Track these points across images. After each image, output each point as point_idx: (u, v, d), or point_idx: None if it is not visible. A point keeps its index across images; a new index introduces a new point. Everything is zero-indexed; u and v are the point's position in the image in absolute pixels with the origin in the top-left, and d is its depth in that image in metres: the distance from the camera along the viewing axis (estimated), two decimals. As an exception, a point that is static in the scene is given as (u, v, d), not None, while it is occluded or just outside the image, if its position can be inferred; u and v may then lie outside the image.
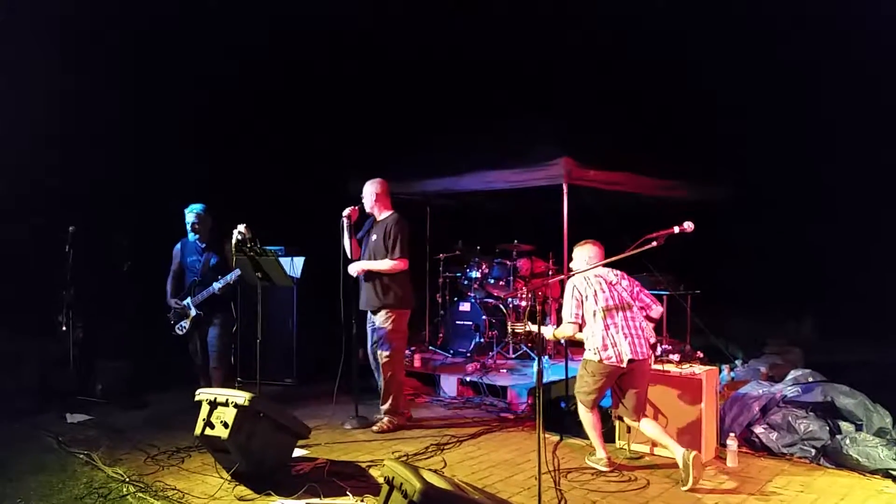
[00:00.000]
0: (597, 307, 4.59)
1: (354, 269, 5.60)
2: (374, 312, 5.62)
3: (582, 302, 4.64)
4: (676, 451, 4.36)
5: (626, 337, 4.53)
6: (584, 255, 4.80)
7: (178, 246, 6.14)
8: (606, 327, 4.55)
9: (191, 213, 5.97)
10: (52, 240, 6.52)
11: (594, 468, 4.65)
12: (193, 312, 5.94)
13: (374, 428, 5.58)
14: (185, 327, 6.00)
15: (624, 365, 4.49)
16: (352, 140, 9.08)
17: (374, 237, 5.62)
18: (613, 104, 10.04)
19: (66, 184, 7.13)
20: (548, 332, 4.91)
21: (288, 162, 8.67)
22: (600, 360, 4.53)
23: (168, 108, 7.76)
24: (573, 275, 4.77)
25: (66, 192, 7.13)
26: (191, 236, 6.03)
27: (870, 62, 8.76)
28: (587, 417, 4.71)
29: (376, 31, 9.75)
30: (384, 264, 5.50)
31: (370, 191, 5.68)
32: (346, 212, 5.62)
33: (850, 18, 8.64)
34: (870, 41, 8.56)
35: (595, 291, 4.63)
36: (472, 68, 10.14)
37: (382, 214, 5.69)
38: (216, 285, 5.81)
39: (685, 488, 4.24)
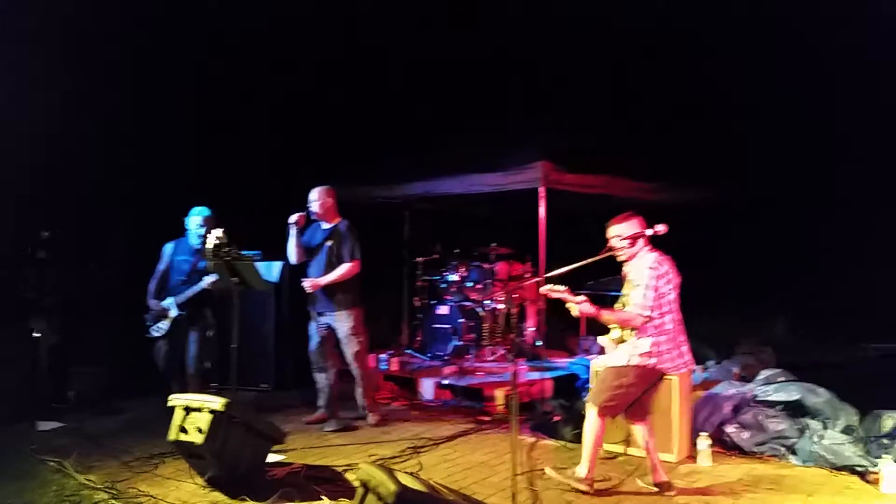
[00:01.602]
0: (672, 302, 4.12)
1: (310, 284, 5.66)
2: (332, 314, 5.72)
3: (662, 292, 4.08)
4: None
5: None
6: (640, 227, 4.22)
7: (171, 246, 6.00)
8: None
9: (198, 217, 5.87)
10: (25, 245, 6.44)
11: (568, 484, 4.25)
12: (175, 312, 5.82)
13: (371, 421, 5.83)
14: (162, 329, 5.86)
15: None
16: (330, 144, 9.05)
17: (329, 243, 5.72)
18: (592, 108, 10.11)
19: (39, 188, 7.03)
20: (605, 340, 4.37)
21: (267, 166, 8.63)
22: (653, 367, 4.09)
23: (142, 111, 7.68)
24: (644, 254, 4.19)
25: (38, 196, 7.04)
26: (192, 239, 5.90)
27: (837, 59, 8.92)
28: (597, 425, 4.19)
29: (353, 34, 9.75)
30: (342, 269, 5.65)
31: (325, 199, 5.75)
32: (293, 218, 5.66)
33: (813, 17, 8.77)
34: (838, 39, 8.71)
35: (670, 280, 4.14)
36: (450, 72, 10.17)
37: (333, 222, 5.81)
38: (207, 279, 5.70)
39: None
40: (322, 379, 5.87)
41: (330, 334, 5.80)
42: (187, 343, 5.86)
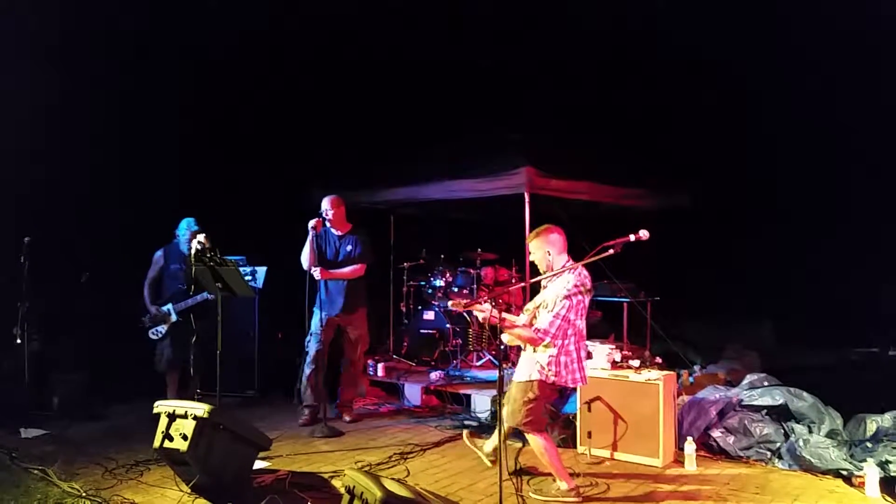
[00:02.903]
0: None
1: (320, 271, 5.86)
2: (349, 315, 6.03)
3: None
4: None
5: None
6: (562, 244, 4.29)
7: (161, 252, 6.19)
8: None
9: (187, 230, 6.02)
10: (6, 251, 6.36)
11: (557, 501, 4.23)
12: (174, 318, 6.02)
13: (347, 418, 6.12)
14: (160, 332, 6.07)
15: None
16: (314, 149, 9.03)
17: (348, 248, 6.05)
18: (576, 114, 10.16)
19: (21, 193, 6.96)
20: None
21: (250, 171, 8.59)
22: (552, 382, 4.17)
23: (128, 116, 7.65)
24: (580, 265, 4.23)
25: (21, 201, 6.97)
26: (183, 246, 6.04)
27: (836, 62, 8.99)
28: (539, 441, 4.23)
29: (338, 40, 9.74)
30: (350, 268, 5.99)
31: (337, 207, 6.03)
32: (312, 223, 5.89)
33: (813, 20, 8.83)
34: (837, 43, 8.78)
35: (582, 308, 4.20)
36: (436, 77, 10.19)
37: (345, 229, 6.12)
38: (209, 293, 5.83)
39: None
40: (315, 379, 6.03)
41: (334, 335, 6.08)
42: (189, 346, 5.95)
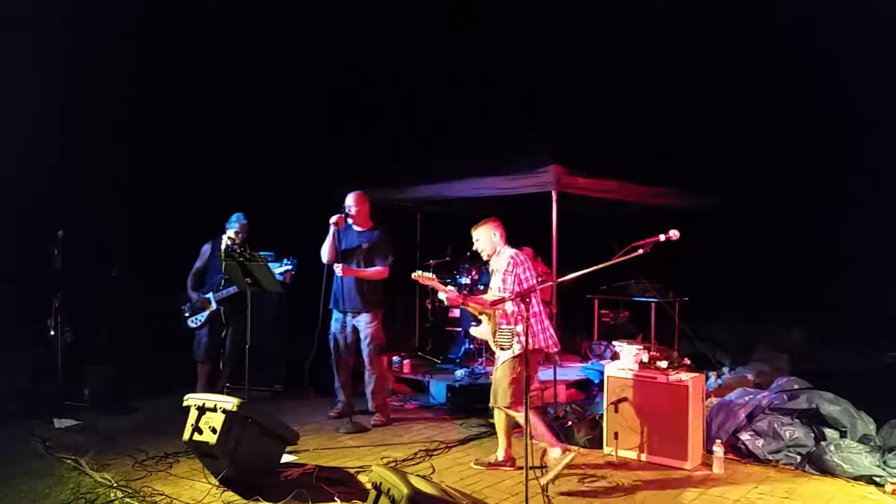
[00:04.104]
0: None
1: (341, 268, 5.84)
2: (359, 313, 5.95)
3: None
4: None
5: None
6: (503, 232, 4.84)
7: (208, 246, 6.26)
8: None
9: (236, 222, 6.08)
10: (40, 244, 6.49)
11: (562, 467, 4.30)
12: (214, 306, 6.10)
13: (375, 420, 5.96)
14: (199, 320, 6.14)
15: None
16: (341, 146, 9.09)
17: (364, 245, 5.97)
18: (604, 112, 10.09)
19: (54, 187, 7.10)
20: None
21: (278, 168, 8.67)
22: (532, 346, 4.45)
23: (159, 114, 7.75)
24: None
25: (53, 195, 7.10)
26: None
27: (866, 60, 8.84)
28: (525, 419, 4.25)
29: (368, 40, 9.78)
30: (374, 269, 5.92)
31: (361, 204, 6.00)
32: (333, 219, 5.86)
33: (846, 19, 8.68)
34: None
35: (529, 268, 4.68)
36: (463, 76, 10.18)
37: (367, 226, 6.07)
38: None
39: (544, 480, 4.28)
40: (342, 375, 6.07)
41: (352, 333, 6.01)
42: (226, 335, 6.11)
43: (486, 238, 4.82)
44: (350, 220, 5.98)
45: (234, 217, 6.14)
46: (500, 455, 4.84)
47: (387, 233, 6.06)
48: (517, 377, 4.47)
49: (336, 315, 6.03)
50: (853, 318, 8.19)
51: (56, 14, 6.85)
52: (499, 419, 4.77)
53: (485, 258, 4.89)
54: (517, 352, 4.46)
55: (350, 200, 5.98)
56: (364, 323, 5.94)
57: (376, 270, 5.91)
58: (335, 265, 5.84)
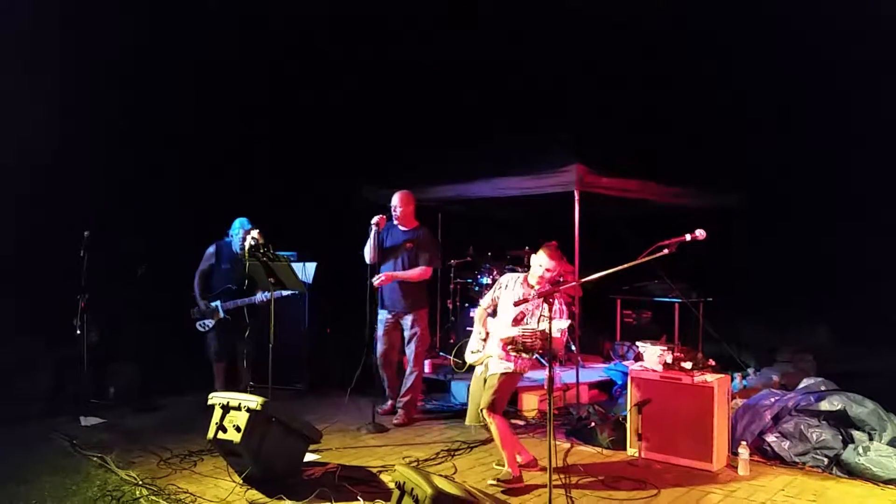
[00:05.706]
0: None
1: (384, 276, 5.92)
2: (405, 314, 6.04)
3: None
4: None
5: None
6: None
7: (213, 248, 6.30)
8: None
9: (240, 228, 6.09)
10: (67, 244, 6.57)
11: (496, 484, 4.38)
12: (221, 315, 6.17)
13: (396, 420, 5.96)
14: (207, 325, 6.22)
15: None
16: (364, 146, 9.11)
17: (409, 245, 6.03)
18: (626, 111, 10.03)
19: (81, 188, 7.18)
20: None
21: (301, 168, 8.71)
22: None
23: (183, 113, 7.81)
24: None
25: (80, 196, 7.19)
26: (236, 246, 6.12)
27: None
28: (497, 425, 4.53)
29: (390, 39, 9.79)
30: (417, 271, 5.98)
31: (406, 204, 6.06)
32: (375, 219, 5.91)
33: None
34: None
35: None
36: (486, 75, 10.16)
37: (412, 225, 6.13)
38: (259, 296, 6.03)
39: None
40: (388, 372, 6.20)
41: (397, 333, 6.08)
42: (240, 340, 6.14)
43: (558, 270, 4.61)
44: (395, 220, 6.04)
45: (237, 223, 6.16)
46: (518, 464, 4.60)
47: (433, 236, 6.17)
48: (506, 391, 4.57)
49: (382, 314, 6.10)
50: (880, 318, 8.04)
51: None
52: (494, 431, 4.57)
53: (537, 285, 4.62)
54: (512, 369, 4.53)
55: (396, 200, 6.06)
56: (408, 323, 6.05)
57: (418, 272, 5.96)
58: (374, 278, 5.90)
